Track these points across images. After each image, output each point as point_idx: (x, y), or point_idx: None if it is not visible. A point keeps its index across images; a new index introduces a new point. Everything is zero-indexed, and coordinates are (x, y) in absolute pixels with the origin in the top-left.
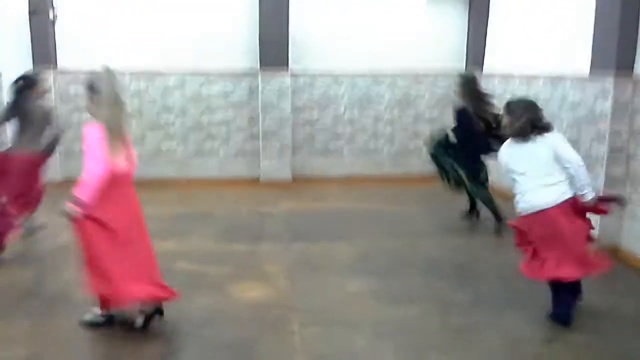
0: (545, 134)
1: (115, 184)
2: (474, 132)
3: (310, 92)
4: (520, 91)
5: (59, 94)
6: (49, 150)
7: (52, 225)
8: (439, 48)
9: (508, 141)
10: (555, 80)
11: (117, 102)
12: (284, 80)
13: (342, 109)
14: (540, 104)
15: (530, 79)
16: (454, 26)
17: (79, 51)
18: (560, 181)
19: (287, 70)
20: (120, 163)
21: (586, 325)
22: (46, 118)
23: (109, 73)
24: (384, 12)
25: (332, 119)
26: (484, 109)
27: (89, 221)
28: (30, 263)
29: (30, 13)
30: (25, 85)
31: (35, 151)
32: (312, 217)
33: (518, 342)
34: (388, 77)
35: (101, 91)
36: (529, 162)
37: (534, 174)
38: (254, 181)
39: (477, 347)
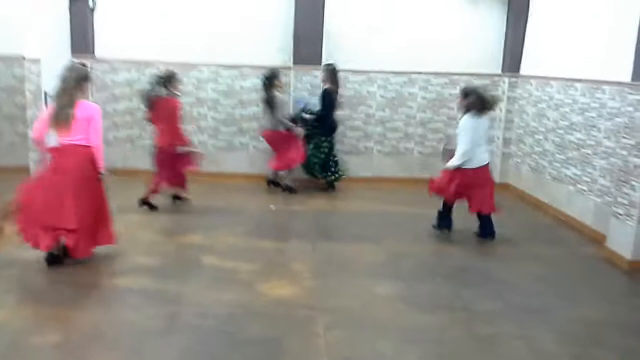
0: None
1: None
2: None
3: (342, 89)
4: (557, 95)
5: (95, 82)
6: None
7: None
8: (475, 50)
9: (467, 115)
10: (594, 86)
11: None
12: (316, 76)
13: (374, 108)
14: (577, 109)
15: (567, 84)
16: (491, 28)
17: (115, 41)
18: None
19: (320, 66)
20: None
21: (611, 341)
22: (282, 105)
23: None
24: (420, 11)
25: (363, 118)
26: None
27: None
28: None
29: (70, 1)
30: (270, 78)
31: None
32: (340, 217)
33: (544, 355)
34: (422, 77)
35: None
36: (481, 131)
37: (481, 141)
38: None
39: (503, 358)
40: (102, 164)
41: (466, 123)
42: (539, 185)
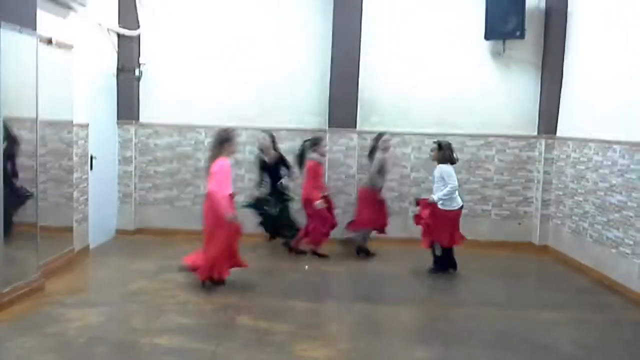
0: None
1: None
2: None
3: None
4: (595, 157)
5: (138, 146)
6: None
7: (124, 273)
8: (510, 111)
9: (444, 165)
10: (633, 148)
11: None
12: (351, 138)
13: (408, 169)
14: (616, 171)
15: (605, 145)
16: (526, 89)
17: (159, 107)
18: None
19: (355, 129)
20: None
21: None
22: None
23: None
24: (454, 74)
25: (398, 179)
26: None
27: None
28: (101, 307)
29: (118, 70)
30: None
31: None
32: (375, 278)
33: None
34: (457, 139)
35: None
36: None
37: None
38: None
39: None
40: (221, 210)
41: (449, 170)
42: (580, 248)
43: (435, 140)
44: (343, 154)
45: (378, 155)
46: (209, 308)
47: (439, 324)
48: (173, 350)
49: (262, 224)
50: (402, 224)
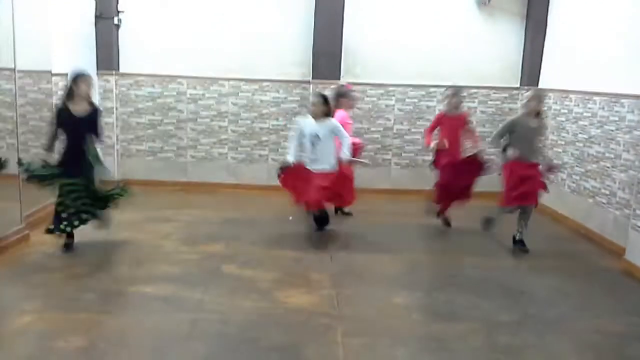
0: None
1: None
2: None
3: (360, 103)
4: (576, 108)
5: (119, 97)
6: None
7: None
8: (493, 63)
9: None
10: (613, 99)
11: None
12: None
13: (392, 121)
14: (596, 122)
15: (586, 97)
16: (509, 41)
17: (139, 56)
18: None
19: (338, 80)
20: None
21: (632, 354)
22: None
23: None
24: (438, 25)
25: (381, 131)
26: None
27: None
28: (87, 257)
29: (96, 17)
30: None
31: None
32: (358, 228)
33: None
34: (440, 90)
35: None
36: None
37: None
38: None
39: None
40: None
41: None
42: (558, 198)
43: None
44: None
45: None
46: (195, 257)
47: (418, 271)
48: (160, 297)
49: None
50: (384, 176)
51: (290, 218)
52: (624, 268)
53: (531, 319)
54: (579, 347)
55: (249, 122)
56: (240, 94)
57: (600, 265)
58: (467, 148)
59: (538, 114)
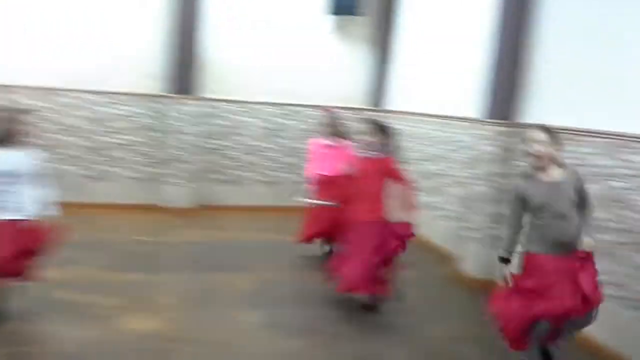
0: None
1: None
2: None
3: (218, 119)
4: (415, 129)
5: None
6: None
7: None
8: (345, 84)
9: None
10: (448, 122)
11: None
12: (191, 105)
13: (249, 137)
14: (434, 142)
15: (425, 119)
16: (362, 64)
17: None
18: None
19: (195, 95)
20: None
21: (458, 354)
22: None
23: None
24: (294, 47)
25: (239, 147)
26: None
27: None
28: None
29: None
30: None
31: None
32: (213, 247)
33: None
34: (296, 109)
35: None
36: None
37: None
38: (156, 208)
39: None
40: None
41: None
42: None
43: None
44: (182, 120)
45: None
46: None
47: (271, 288)
48: None
49: None
50: (242, 192)
51: (140, 239)
52: (454, 275)
53: (374, 328)
54: (417, 352)
55: (98, 136)
56: (88, 106)
57: (436, 274)
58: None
59: (556, 162)
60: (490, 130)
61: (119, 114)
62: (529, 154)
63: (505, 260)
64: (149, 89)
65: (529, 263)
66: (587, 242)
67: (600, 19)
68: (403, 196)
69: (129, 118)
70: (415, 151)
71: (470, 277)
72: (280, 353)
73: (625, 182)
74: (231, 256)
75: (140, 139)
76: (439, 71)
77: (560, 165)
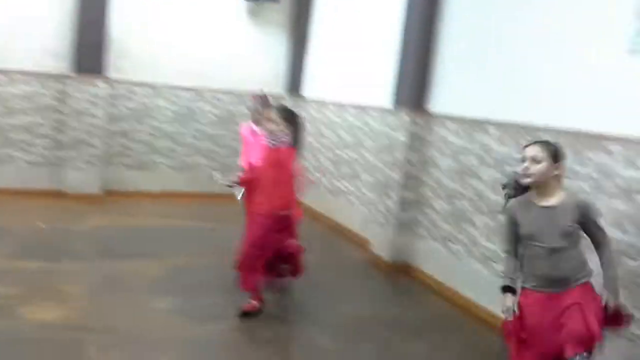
0: None
1: None
2: None
3: (127, 101)
4: (332, 117)
5: None
6: None
7: None
8: (261, 70)
9: None
10: (362, 110)
11: None
12: (98, 86)
13: (162, 121)
14: (349, 130)
15: (341, 107)
16: (277, 50)
17: None
18: None
19: (102, 76)
20: None
21: (374, 333)
22: None
23: None
24: (209, 29)
25: (150, 132)
26: None
27: None
28: None
29: None
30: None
31: None
32: (122, 234)
33: (321, 350)
34: (211, 93)
35: None
36: None
37: None
38: (59, 194)
39: (283, 356)
40: None
41: None
42: (317, 198)
43: None
44: (88, 102)
45: None
46: None
47: (181, 275)
48: None
49: None
50: (154, 178)
51: (43, 226)
52: (369, 259)
53: (290, 312)
54: (332, 332)
55: None
56: None
57: (349, 257)
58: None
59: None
60: (402, 119)
61: (17, 94)
62: (521, 170)
63: (508, 289)
64: (51, 68)
65: (521, 300)
66: (607, 297)
67: (506, 10)
68: (295, 188)
69: (30, 98)
70: (331, 138)
71: (383, 261)
72: (192, 339)
73: None
74: (140, 243)
75: (42, 121)
76: (353, 59)
77: (559, 187)
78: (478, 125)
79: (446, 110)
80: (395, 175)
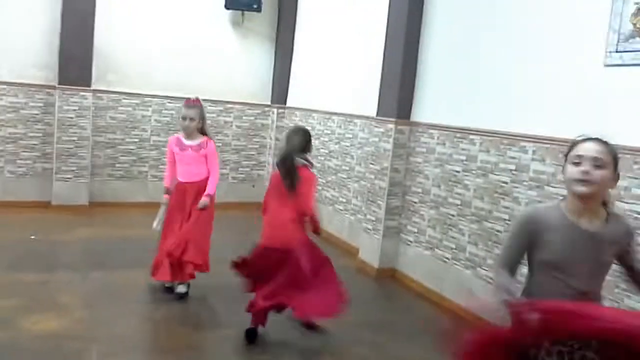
0: None
1: None
2: None
3: (114, 112)
4: (318, 126)
5: None
6: None
7: None
8: (248, 80)
9: None
10: (348, 119)
11: None
12: (84, 97)
13: (149, 132)
14: (334, 139)
15: (326, 116)
16: (262, 60)
17: None
18: None
19: (88, 87)
20: None
21: (365, 338)
22: None
23: None
24: (195, 40)
25: (137, 142)
26: None
27: None
28: None
29: None
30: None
31: None
32: (111, 244)
33: (313, 353)
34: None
35: None
36: None
37: None
38: (46, 205)
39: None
40: None
41: None
42: None
43: None
44: (75, 113)
45: None
46: None
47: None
48: None
49: None
50: (141, 189)
51: (33, 237)
52: (358, 266)
53: (282, 320)
54: (328, 338)
55: None
56: None
57: (337, 264)
58: None
59: (604, 205)
60: (387, 127)
61: (3, 105)
62: (577, 174)
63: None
64: (37, 79)
65: None
66: None
67: (486, 23)
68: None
69: (16, 110)
70: (317, 148)
71: (371, 268)
72: (192, 347)
73: (508, 177)
74: (129, 253)
75: (28, 132)
76: (338, 69)
77: (608, 206)
78: (461, 133)
79: (431, 119)
80: (382, 183)
